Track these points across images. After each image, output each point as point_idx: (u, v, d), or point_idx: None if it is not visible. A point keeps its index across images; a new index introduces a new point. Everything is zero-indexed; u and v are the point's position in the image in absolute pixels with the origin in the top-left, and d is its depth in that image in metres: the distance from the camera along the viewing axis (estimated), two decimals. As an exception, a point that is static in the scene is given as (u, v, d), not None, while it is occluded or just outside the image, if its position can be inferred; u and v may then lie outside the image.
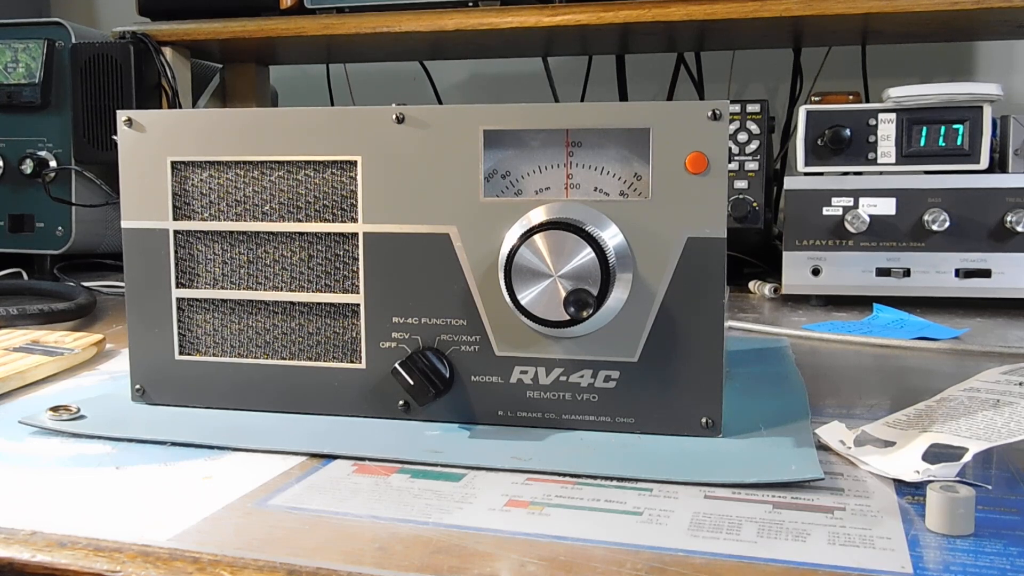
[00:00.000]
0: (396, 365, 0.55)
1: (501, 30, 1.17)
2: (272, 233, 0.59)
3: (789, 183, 1.06)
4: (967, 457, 0.46)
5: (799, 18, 1.10)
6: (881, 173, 1.07)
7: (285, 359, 0.59)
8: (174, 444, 0.53)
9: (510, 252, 0.53)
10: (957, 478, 0.45)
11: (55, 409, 0.57)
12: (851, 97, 1.11)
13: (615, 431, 0.55)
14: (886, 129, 1.06)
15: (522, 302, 0.53)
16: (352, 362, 0.58)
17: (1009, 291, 1.01)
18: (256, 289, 0.59)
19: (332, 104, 1.57)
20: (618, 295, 0.53)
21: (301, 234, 0.58)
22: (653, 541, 0.40)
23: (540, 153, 0.55)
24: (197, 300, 0.60)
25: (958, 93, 1.03)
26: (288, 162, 0.58)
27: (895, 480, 0.47)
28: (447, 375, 0.56)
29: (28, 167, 1.23)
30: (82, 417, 0.57)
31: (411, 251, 0.56)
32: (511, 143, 0.56)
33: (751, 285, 1.17)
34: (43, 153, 1.24)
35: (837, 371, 0.74)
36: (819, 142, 1.07)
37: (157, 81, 1.25)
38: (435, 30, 1.18)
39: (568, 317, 0.52)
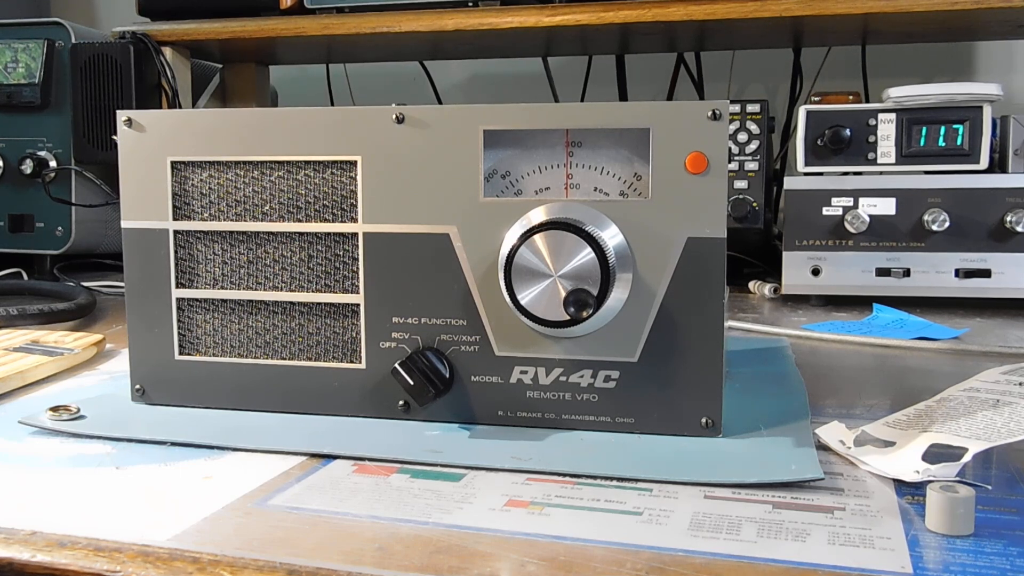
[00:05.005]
0: (396, 365, 0.55)
1: (501, 30, 1.17)
2: (272, 233, 0.59)
3: (789, 183, 1.06)
4: (967, 457, 0.46)
5: (799, 18, 1.10)
6: (881, 173, 1.07)
7: (285, 359, 0.59)
8: (174, 444, 0.53)
9: (510, 252, 0.53)
10: (957, 478, 0.45)
11: (55, 409, 0.57)
12: (851, 97, 1.11)
13: (615, 431, 0.55)
14: (886, 129, 1.06)
15: (522, 302, 0.53)
16: (352, 362, 0.58)
17: (1009, 291, 1.01)
18: (256, 289, 0.59)
19: (332, 104, 1.57)
20: (618, 295, 0.53)
21: (301, 234, 0.58)
22: (653, 541, 0.40)
23: (540, 153, 0.55)
24: (197, 300, 0.60)
25: (958, 93, 1.03)
26: (288, 162, 0.58)
27: (895, 480, 0.47)
28: (447, 375, 0.56)
29: (28, 167, 1.23)
30: (82, 417, 0.57)
31: (411, 251, 0.56)
32: (511, 143, 0.56)
33: (751, 285, 1.17)
34: (43, 153, 1.24)
35: (837, 371, 0.74)
36: (819, 142, 1.07)
37: (157, 81, 1.25)
38: (435, 30, 1.18)
39: (568, 317, 0.52)
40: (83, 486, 0.47)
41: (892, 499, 0.45)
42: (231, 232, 0.59)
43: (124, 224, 0.61)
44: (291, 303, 0.59)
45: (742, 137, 1.17)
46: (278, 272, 0.59)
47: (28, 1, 1.67)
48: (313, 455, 0.51)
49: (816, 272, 1.05)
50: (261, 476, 0.48)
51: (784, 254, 1.06)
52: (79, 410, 0.58)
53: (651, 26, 1.15)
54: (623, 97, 1.47)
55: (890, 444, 0.50)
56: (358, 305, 0.58)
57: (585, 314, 0.51)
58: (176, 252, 0.60)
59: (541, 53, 1.42)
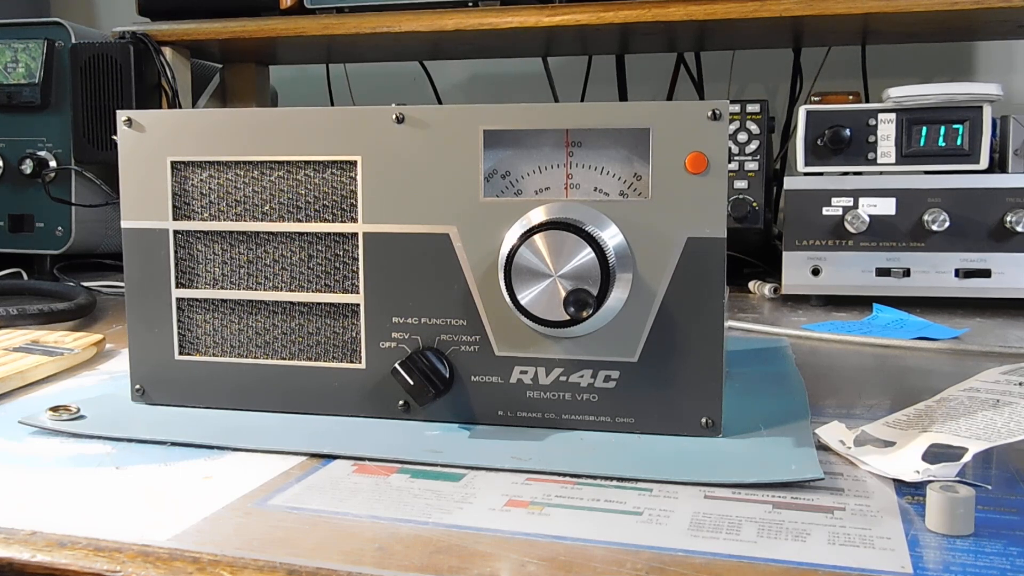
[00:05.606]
0: (396, 365, 0.55)
1: (501, 30, 1.17)
2: (272, 233, 0.59)
3: (789, 183, 1.06)
4: (967, 457, 0.46)
5: (799, 18, 1.10)
6: (881, 173, 1.07)
7: (285, 359, 0.59)
8: (174, 444, 0.53)
9: (510, 252, 0.53)
10: (957, 478, 0.45)
11: (55, 409, 0.57)
12: (851, 97, 1.11)
13: (615, 431, 0.55)
14: (886, 129, 1.06)
15: (522, 302, 0.53)
16: (352, 362, 0.58)
17: (1009, 291, 1.01)
18: (256, 289, 0.59)
19: (332, 104, 1.57)
20: (618, 295, 0.53)
21: (301, 234, 0.58)
22: (653, 541, 0.40)
23: (540, 153, 0.55)
24: (197, 300, 0.60)
25: (958, 93, 1.03)
26: (288, 162, 0.58)
27: (895, 480, 0.47)
28: (447, 375, 0.56)
29: (28, 167, 1.23)
30: (82, 417, 0.57)
31: (411, 251, 0.56)
32: (511, 143, 0.56)
33: (751, 285, 1.17)
34: (43, 153, 1.24)
35: (837, 371, 0.74)
36: (819, 142, 1.07)
37: (157, 81, 1.25)
38: (435, 30, 1.18)
39: (568, 317, 0.52)
40: (83, 486, 0.47)
41: (892, 499, 0.45)
42: (231, 232, 0.59)
43: (124, 224, 0.61)
44: (291, 303, 0.59)
45: (742, 137, 1.17)
46: (278, 272, 0.59)
47: (28, 1, 1.67)
48: (313, 455, 0.51)
49: (816, 272, 1.05)
50: (261, 476, 0.48)
51: (784, 254, 1.06)
52: (79, 410, 0.58)
53: (651, 26, 1.15)
54: (623, 97, 1.47)
55: (890, 444, 0.50)
56: (358, 305, 0.58)
57: (585, 314, 0.51)
58: (176, 252, 0.60)
59: (541, 53, 1.42)
